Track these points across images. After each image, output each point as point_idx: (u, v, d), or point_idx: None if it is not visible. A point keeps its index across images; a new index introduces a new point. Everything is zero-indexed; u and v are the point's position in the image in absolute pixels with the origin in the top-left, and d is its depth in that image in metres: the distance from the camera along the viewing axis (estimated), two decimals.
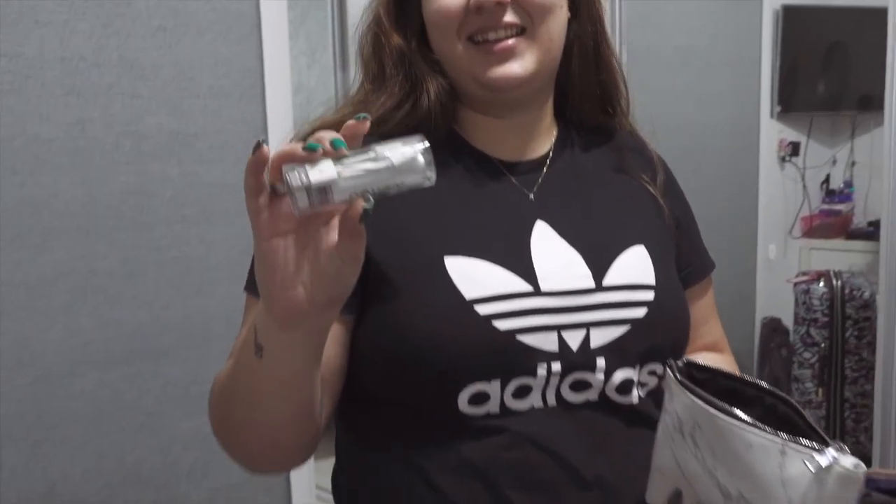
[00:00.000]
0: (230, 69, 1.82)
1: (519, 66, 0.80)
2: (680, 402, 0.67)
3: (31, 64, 1.51)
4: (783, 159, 3.68)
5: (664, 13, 2.95)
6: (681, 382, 0.67)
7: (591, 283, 0.81)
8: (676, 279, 0.90)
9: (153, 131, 1.70)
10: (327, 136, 0.59)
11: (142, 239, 1.70)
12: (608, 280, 0.82)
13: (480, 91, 0.83)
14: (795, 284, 3.06)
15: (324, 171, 0.58)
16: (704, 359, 0.90)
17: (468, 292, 0.77)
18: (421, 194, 0.70)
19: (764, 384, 0.67)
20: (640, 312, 0.81)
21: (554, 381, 0.78)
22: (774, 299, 3.55)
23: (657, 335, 0.82)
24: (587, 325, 0.79)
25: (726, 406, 0.64)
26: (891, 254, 2.40)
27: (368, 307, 0.79)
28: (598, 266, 0.83)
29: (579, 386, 0.79)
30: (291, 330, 0.65)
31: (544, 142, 0.91)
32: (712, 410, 0.65)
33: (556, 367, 0.77)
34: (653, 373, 0.83)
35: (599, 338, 0.79)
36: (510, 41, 0.80)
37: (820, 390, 2.85)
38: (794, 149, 3.71)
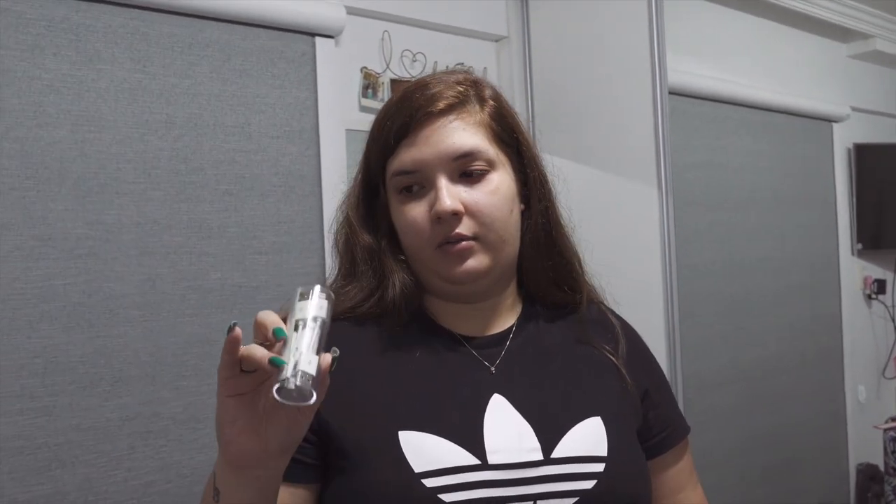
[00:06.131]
0: (292, 227, 1.97)
1: (475, 262, 0.89)
2: None
3: (109, 229, 1.69)
4: (869, 297, 3.55)
5: (730, 153, 3.00)
6: None
7: (538, 456, 0.84)
8: (636, 450, 0.92)
9: (217, 285, 1.84)
10: (261, 348, 0.70)
11: (204, 385, 1.82)
12: (557, 452, 0.85)
13: (445, 285, 0.93)
14: (885, 431, 2.88)
15: (311, 360, 0.67)
16: None
17: (417, 466, 0.82)
18: (383, 369, 0.76)
19: None
20: (589, 484, 0.83)
21: None
22: (868, 444, 3.34)
23: None
24: (533, 498, 0.82)
25: None
26: None
27: (332, 478, 0.86)
28: (548, 438, 0.86)
29: None
30: (245, 474, 0.73)
31: (508, 318, 0.97)
32: None
33: None
34: None
35: None
36: (464, 243, 0.88)
37: None
38: (880, 286, 3.59)
